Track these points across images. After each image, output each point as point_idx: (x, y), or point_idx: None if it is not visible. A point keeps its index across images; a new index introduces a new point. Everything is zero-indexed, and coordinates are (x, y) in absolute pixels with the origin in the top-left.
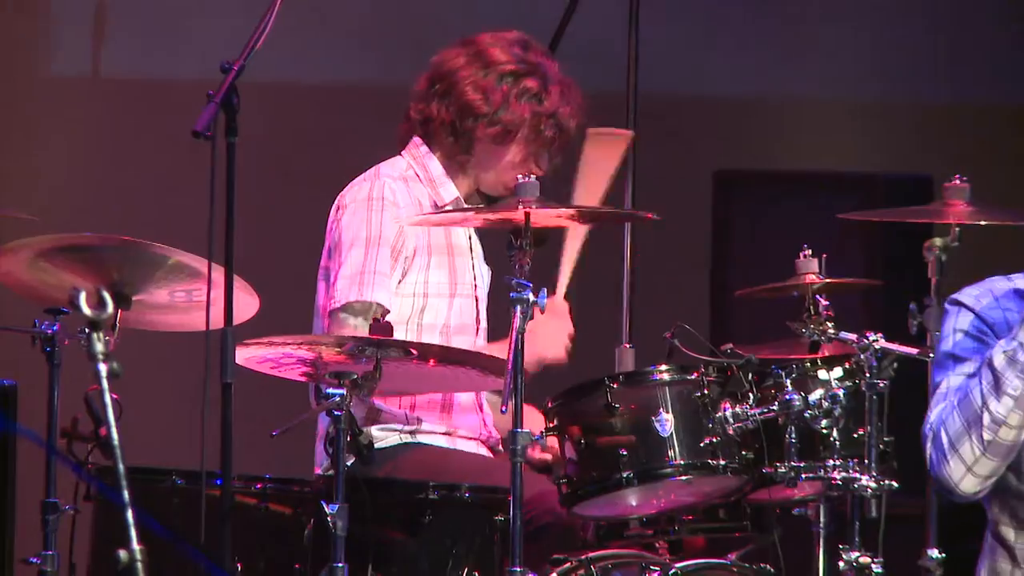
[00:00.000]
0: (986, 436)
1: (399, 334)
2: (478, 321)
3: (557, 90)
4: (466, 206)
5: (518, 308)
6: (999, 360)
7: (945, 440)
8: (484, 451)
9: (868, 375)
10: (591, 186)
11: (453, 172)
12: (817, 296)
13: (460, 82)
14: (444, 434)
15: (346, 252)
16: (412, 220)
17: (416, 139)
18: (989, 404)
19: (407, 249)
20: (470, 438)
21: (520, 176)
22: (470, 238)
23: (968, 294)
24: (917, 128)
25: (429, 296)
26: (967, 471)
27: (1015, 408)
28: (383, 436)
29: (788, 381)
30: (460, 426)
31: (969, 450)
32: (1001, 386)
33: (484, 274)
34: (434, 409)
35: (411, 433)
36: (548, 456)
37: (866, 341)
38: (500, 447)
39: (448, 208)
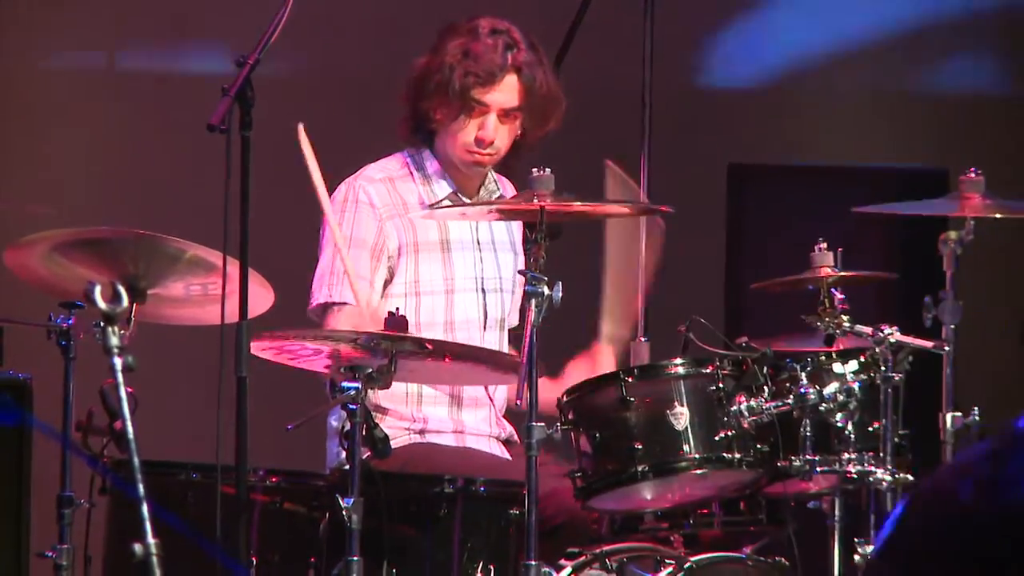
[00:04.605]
0: None
1: None
2: (485, 315)
3: (459, 42)
4: (464, 199)
5: (532, 302)
6: None
7: None
8: (497, 447)
9: (883, 368)
10: (617, 262)
11: (448, 166)
12: (832, 289)
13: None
14: (454, 432)
15: (320, 255)
16: (422, 213)
17: (417, 139)
18: None
19: (389, 248)
20: (481, 435)
21: (534, 169)
22: (477, 230)
23: None
24: (933, 121)
25: (421, 294)
26: None
27: None
28: (391, 435)
29: (803, 374)
30: (470, 422)
31: None
32: None
33: (502, 266)
34: (443, 404)
35: (420, 432)
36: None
37: (881, 334)
38: (516, 438)
39: (444, 202)
